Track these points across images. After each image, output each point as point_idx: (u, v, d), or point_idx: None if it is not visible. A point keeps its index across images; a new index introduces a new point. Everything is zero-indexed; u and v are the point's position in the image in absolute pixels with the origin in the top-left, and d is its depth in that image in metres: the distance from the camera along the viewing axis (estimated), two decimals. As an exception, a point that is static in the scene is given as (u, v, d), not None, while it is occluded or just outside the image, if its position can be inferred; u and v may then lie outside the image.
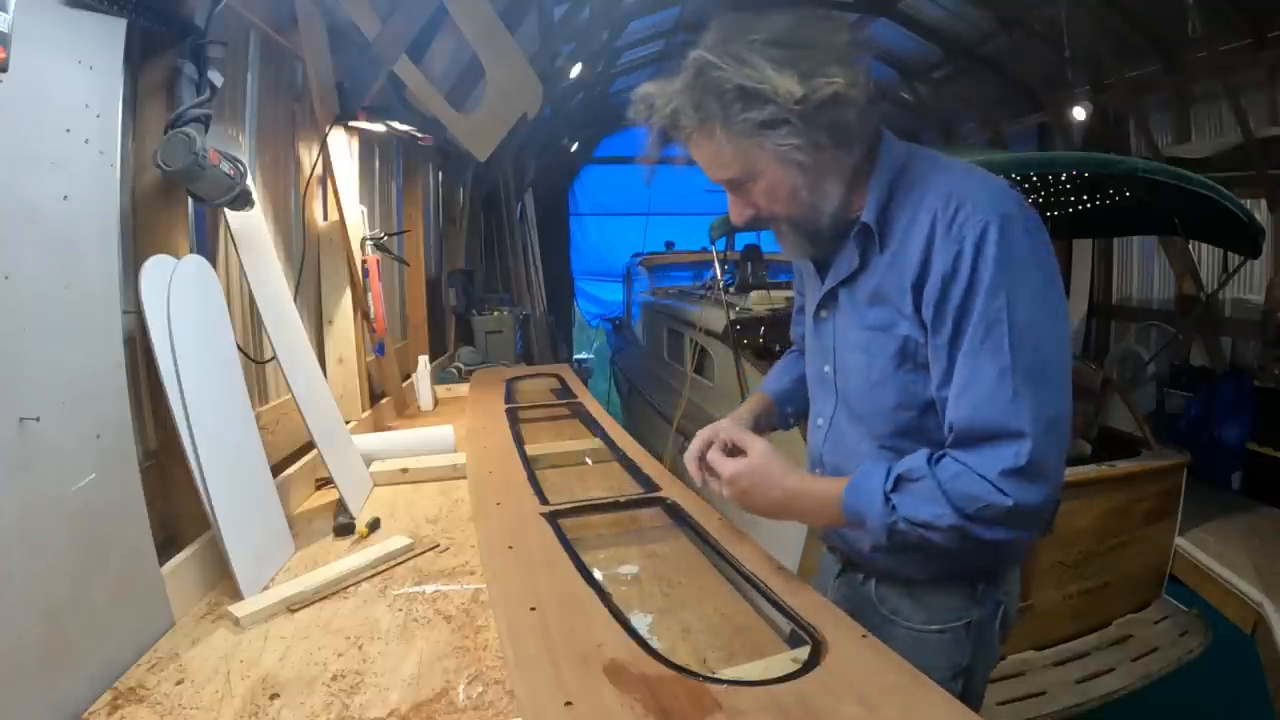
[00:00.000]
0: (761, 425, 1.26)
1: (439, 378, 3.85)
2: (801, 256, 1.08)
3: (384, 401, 2.92)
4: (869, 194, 0.96)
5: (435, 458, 2.20)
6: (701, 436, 1.12)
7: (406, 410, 3.12)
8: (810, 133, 0.89)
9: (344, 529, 1.70)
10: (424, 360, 3.20)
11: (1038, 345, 0.86)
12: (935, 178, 0.94)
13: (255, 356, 1.99)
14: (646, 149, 0.99)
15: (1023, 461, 0.84)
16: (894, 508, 0.89)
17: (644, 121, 0.96)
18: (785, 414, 1.30)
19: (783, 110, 0.87)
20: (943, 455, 0.90)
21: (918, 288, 0.91)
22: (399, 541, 1.58)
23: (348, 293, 2.61)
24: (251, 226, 1.90)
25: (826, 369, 1.09)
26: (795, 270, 1.32)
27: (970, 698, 1.06)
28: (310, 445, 1.96)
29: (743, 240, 4.99)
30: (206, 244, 1.85)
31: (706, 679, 0.83)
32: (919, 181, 0.95)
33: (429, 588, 1.41)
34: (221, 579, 1.41)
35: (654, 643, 0.94)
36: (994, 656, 1.08)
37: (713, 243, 4.56)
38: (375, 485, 2.06)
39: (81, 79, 1.17)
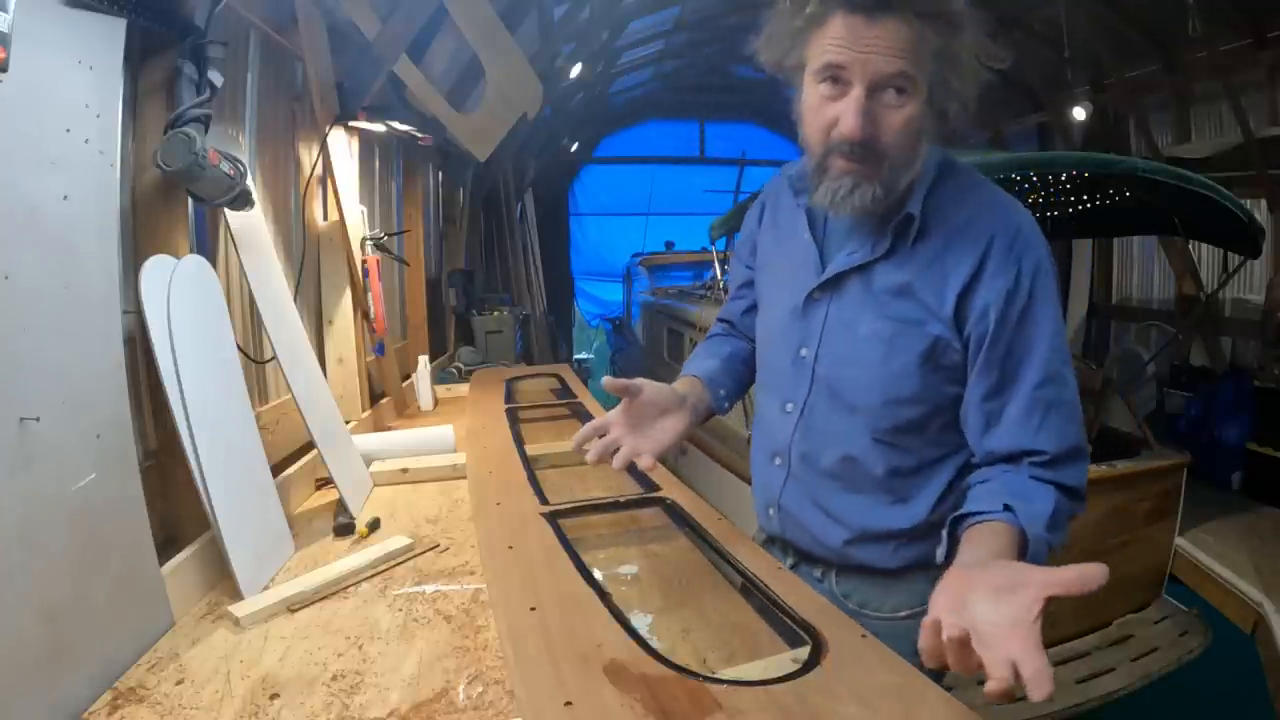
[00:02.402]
0: (699, 411, 1.13)
1: (439, 378, 3.86)
2: (856, 215, 0.94)
3: (384, 401, 2.92)
4: (914, 187, 0.94)
5: (435, 458, 2.20)
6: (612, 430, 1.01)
7: (406, 410, 3.12)
8: (957, 99, 0.91)
9: (344, 529, 1.70)
10: (424, 360, 3.20)
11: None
12: (985, 195, 0.96)
13: (255, 356, 1.99)
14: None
15: (1086, 479, 0.93)
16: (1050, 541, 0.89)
17: None
18: (719, 396, 1.18)
19: (978, 67, 0.90)
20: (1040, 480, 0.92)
21: (964, 296, 0.92)
22: (399, 541, 1.58)
23: (348, 293, 2.61)
24: (251, 226, 1.90)
25: (804, 352, 1.04)
26: (741, 245, 1.25)
27: (942, 678, 1.07)
28: (310, 445, 1.96)
29: (742, 240, 4.98)
30: (206, 244, 1.85)
31: (706, 679, 0.83)
32: (966, 191, 0.96)
33: (429, 588, 1.41)
34: (221, 579, 1.41)
35: (654, 643, 0.94)
36: None
37: (713, 243, 4.56)
38: (375, 485, 2.06)
39: (81, 79, 1.17)
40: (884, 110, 0.86)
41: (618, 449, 0.99)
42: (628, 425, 1.01)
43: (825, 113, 0.88)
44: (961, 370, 0.96)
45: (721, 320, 1.34)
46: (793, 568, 1.15)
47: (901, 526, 1.02)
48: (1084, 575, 0.60)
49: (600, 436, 1.00)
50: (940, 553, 0.89)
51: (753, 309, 1.22)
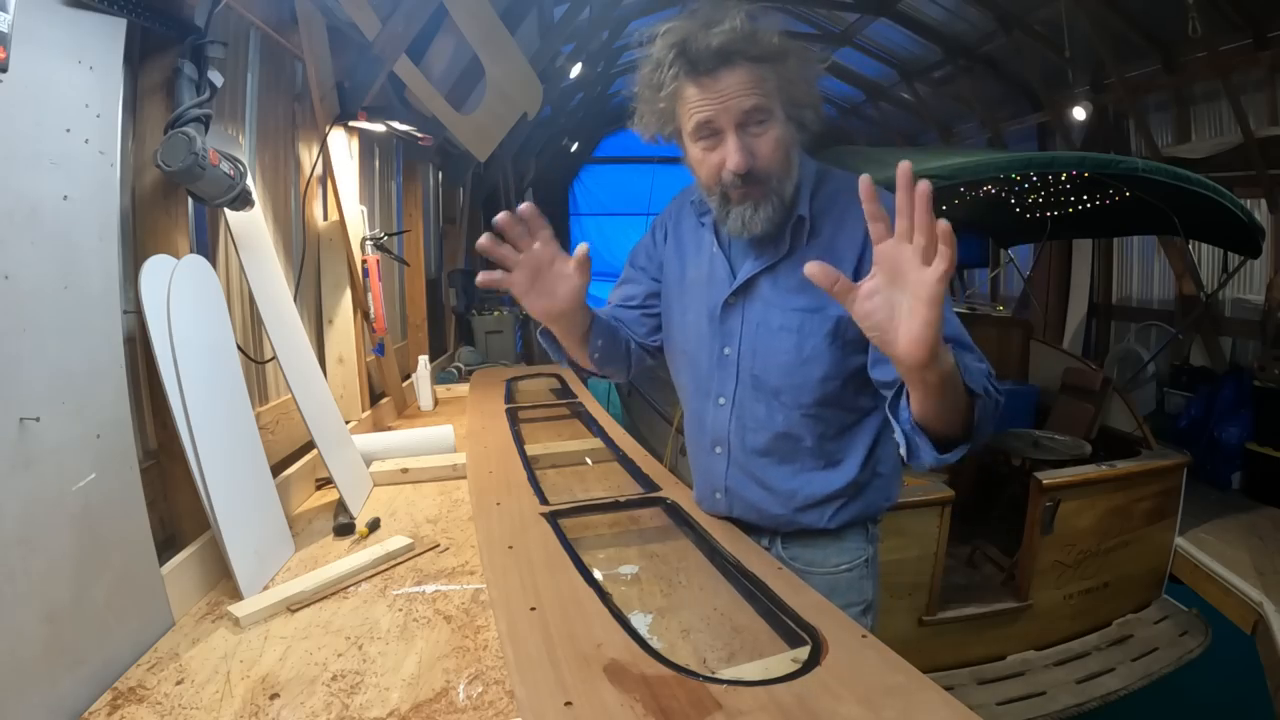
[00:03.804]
0: (588, 316, 1.14)
1: (439, 378, 3.86)
2: (764, 229, 1.08)
3: (384, 401, 2.92)
4: (799, 195, 1.10)
5: (435, 458, 2.20)
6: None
7: (406, 410, 3.12)
8: (807, 110, 1.06)
9: (344, 529, 1.70)
10: (424, 360, 3.20)
11: None
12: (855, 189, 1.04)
13: (255, 356, 1.99)
14: (662, 63, 1.02)
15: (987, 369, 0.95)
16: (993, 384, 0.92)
17: (697, 27, 0.99)
18: (595, 343, 1.19)
19: (812, 78, 1.05)
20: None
21: (857, 272, 1.02)
22: (399, 541, 1.58)
23: (348, 293, 2.61)
24: (251, 226, 1.90)
25: (728, 351, 1.17)
26: (639, 255, 1.34)
27: (874, 622, 1.25)
28: (310, 445, 1.96)
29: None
30: (206, 244, 1.85)
31: (706, 679, 0.83)
32: (842, 190, 1.11)
33: (429, 588, 1.41)
34: (221, 579, 1.41)
35: (654, 643, 0.94)
36: (878, 588, 1.27)
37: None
38: (375, 485, 2.06)
39: (81, 79, 1.17)
40: (754, 140, 1.03)
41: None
42: (528, 272, 1.04)
43: (710, 160, 1.06)
44: (864, 340, 0.98)
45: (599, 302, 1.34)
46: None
47: (837, 487, 1.16)
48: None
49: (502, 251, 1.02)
50: (901, 446, 0.94)
51: (645, 314, 1.31)
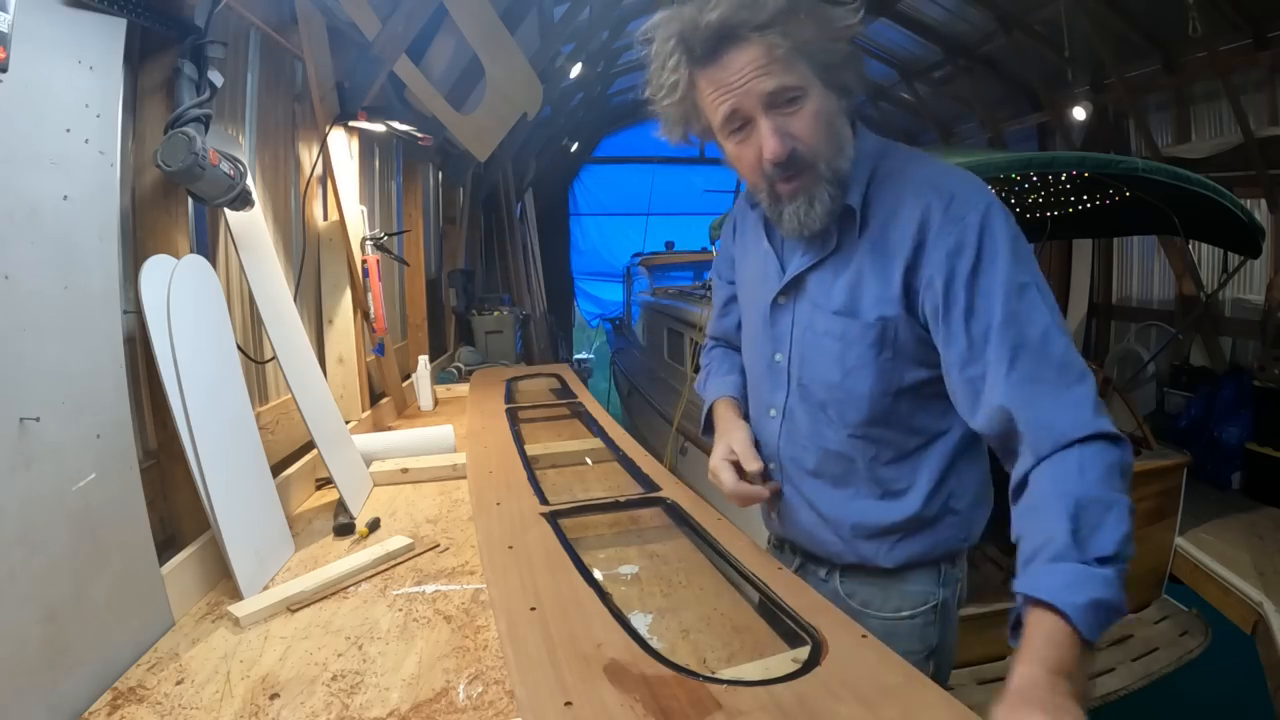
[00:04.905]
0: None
1: (439, 378, 3.86)
2: (830, 216, 0.95)
3: (384, 401, 2.92)
4: (851, 181, 0.95)
5: (435, 458, 2.20)
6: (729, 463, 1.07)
7: (406, 410, 3.12)
8: (845, 70, 0.91)
9: (344, 529, 1.70)
10: (424, 360, 3.20)
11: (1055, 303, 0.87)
12: (917, 169, 0.95)
13: (255, 356, 1.99)
14: (665, 50, 0.92)
15: (1095, 394, 0.82)
16: (1120, 565, 0.74)
17: (692, 10, 0.88)
18: (744, 413, 1.19)
19: (841, 34, 0.88)
20: (1053, 458, 0.80)
21: (910, 270, 0.91)
22: (399, 541, 1.58)
23: (348, 293, 2.61)
24: (251, 226, 1.90)
25: (778, 357, 1.06)
26: (720, 264, 1.28)
27: (941, 674, 1.09)
28: (310, 445, 1.96)
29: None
30: (206, 244, 1.85)
31: (706, 679, 0.83)
32: (899, 171, 0.95)
33: (429, 588, 1.41)
34: (221, 579, 1.41)
35: (654, 643, 0.94)
36: (957, 631, 1.10)
37: (713, 243, 4.55)
38: (375, 485, 2.06)
39: (81, 79, 1.17)
40: (789, 120, 0.90)
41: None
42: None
43: (747, 154, 0.93)
44: (921, 351, 0.94)
45: (714, 339, 1.34)
46: (799, 568, 1.15)
47: (895, 520, 1.01)
48: None
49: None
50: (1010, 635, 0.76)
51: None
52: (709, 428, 1.22)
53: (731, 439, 1.09)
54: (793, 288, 1.04)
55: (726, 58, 0.88)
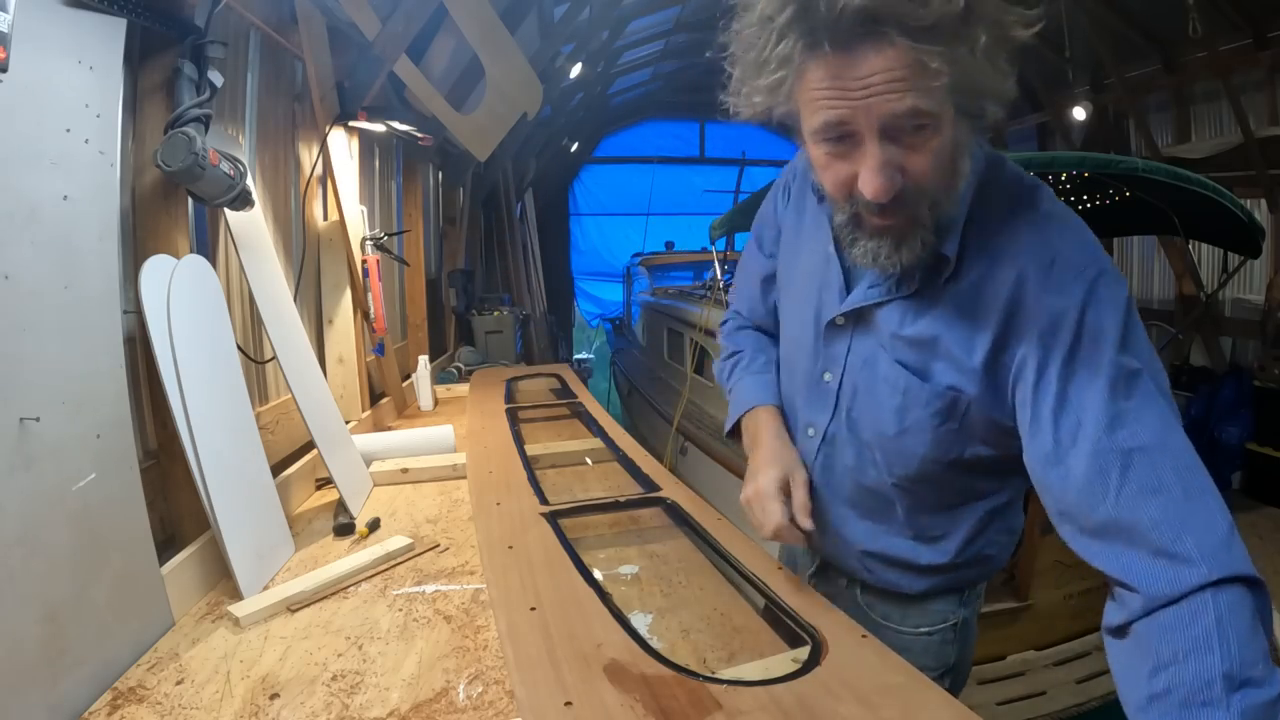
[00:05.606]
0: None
1: (439, 378, 3.86)
2: (901, 269, 0.81)
3: (384, 401, 2.92)
4: (952, 219, 0.80)
5: (435, 458, 2.20)
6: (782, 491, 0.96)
7: (406, 410, 3.12)
8: (990, 93, 0.71)
9: (344, 529, 1.70)
10: (424, 360, 3.20)
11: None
12: (1019, 216, 0.80)
13: (255, 356, 1.99)
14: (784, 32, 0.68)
15: (1229, 516, 0.67)
16: None
17: None
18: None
19: (1010, 45, 0.68)
20: (1176, 609, 0.65)
21: (999, 347, 0.78)
22: (399, 541, 1.58)
23: (348, 293, 2.61)
24: (251, 226, 1.90)
25: (828, 377, 0.96)
26: (762, 229, 1.14)
27: (955, 689, 1.06)
28: (310, 445, 1.96)
29: (742, 240, 4.99)
30: (206, 244, 1.86)
31: (706, 679, 0.83)
32: (1005, 212, 0.80)
33: (429, 588, 1.41)
34: (221, 579, 1.41)
35: (654, 643, 0.94)
36: (974, 649, 1.07)
37: (713, 243, 4.55)
38: (375, 485, 2.06)
39: (81, 79, 1.17)
40: (907, 154, 0.71)
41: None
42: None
43: (839, 171, 0.75)
44: (991, 434, 0.84)
45: (741, 315, 1.23)
46: (816, 572, 1.12)
47: (925, 563, 0.97)
48: None
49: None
50: None
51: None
52: (736, 432, 1.12)
53: (792, 474, 0.97)
54: (854, 315, 0.91)
55: (859, 54, 0.66)
